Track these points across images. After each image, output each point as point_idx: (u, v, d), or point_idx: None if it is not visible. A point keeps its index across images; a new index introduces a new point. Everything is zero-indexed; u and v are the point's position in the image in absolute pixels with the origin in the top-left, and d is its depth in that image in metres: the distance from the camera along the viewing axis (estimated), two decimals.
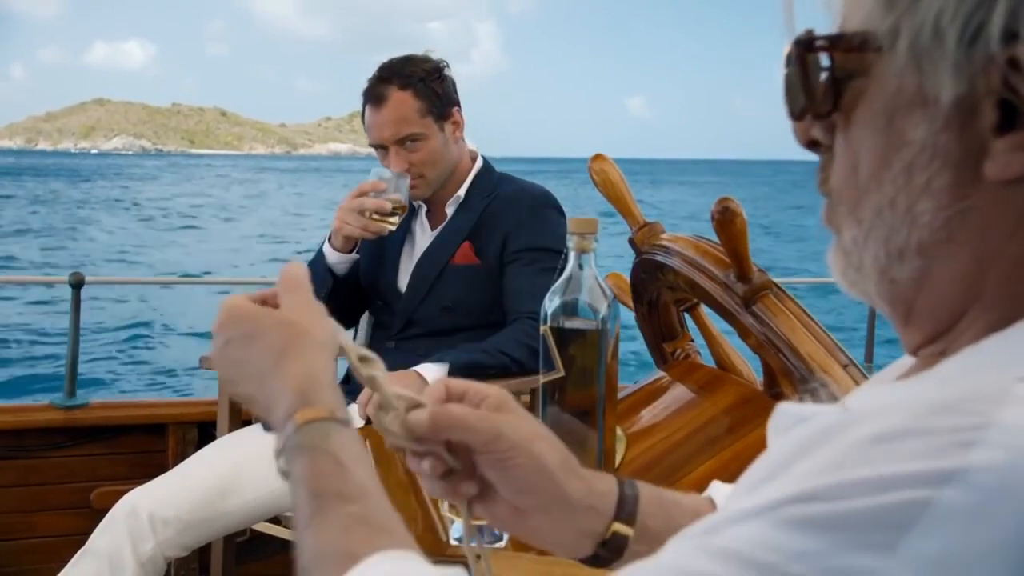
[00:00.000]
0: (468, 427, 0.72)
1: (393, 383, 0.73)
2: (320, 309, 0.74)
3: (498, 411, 0.74)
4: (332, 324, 0.74)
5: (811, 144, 0.59)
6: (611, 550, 0.76)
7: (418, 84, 2.21)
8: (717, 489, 0.84)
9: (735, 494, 0.56)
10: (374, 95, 2.22)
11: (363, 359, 0.73)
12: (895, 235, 0.54)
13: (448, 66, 2.30)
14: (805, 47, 0.56)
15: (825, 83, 0.55)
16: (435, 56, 2.30)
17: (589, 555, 0.77)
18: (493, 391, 0.75)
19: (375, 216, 2.10)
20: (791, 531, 0.43)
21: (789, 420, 0.60)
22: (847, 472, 0.44)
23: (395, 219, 2.12)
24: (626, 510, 0.76)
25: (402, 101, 2.20)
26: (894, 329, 0.60)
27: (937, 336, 0.56)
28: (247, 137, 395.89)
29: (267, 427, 2.21)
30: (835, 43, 0.55)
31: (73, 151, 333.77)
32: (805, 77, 0.56)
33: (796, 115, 0.58)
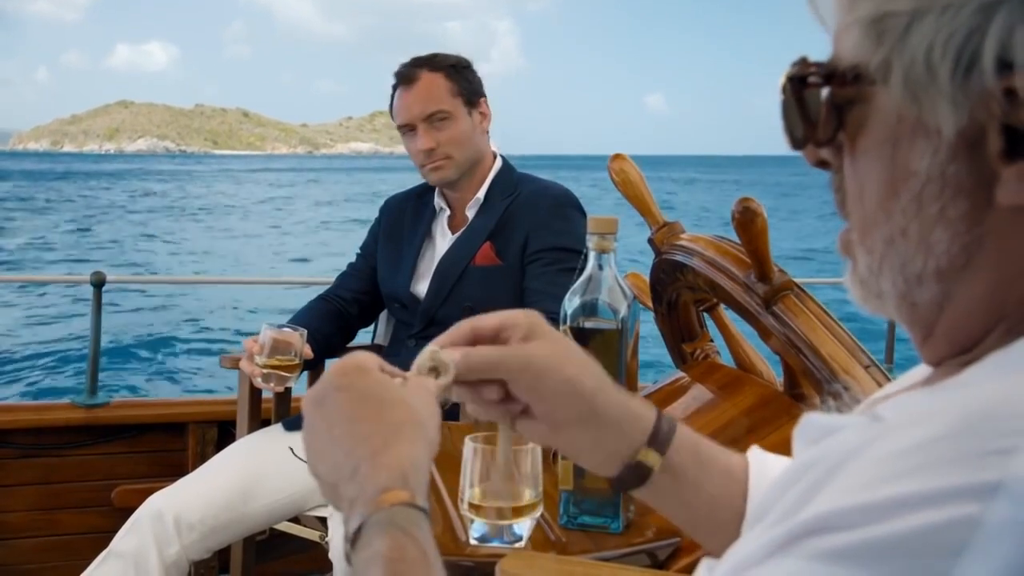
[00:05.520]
0: (496, 366, 0.74)
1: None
2: (434, 406, 0.71)
3: (527, 340, 0.76)
4: (439, 421, 0.71)
5: (820, 164, 0.59)
6: (635, 474, 0.78)
7: (448, 69, 2.25)
8: (757, 454, 0.85)
9: (763, 508, 0.55)
10: (405, 77, 2.25)
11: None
12: (911, 263, 0.53)
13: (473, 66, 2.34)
14: (800, 82, 0.55)
15: (824, 112, 0.55)
16: (463, 57, 2.34)
17: (615, 475, 0.79)
18: (522, 319, 0.77)
19: (261, 376, 2.02)
20: (826, 565, 0.41)
21: (817, 431, 0.59)
22: (877, 489, 0.42)
23: (274, 383, 2.03)
24: (657, 441, 0.78)
25: (433, 80, 2.23)
26: (913, 344, 0.59)
27: (960, 352, 0.55)
28: (269, 137, 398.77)
29: (288, 426, 2.22)
30: (828, 78, 0.54)
31: (100, 152, 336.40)
32: (802, 107, 0.55)
33: (797, 144, 0.57)
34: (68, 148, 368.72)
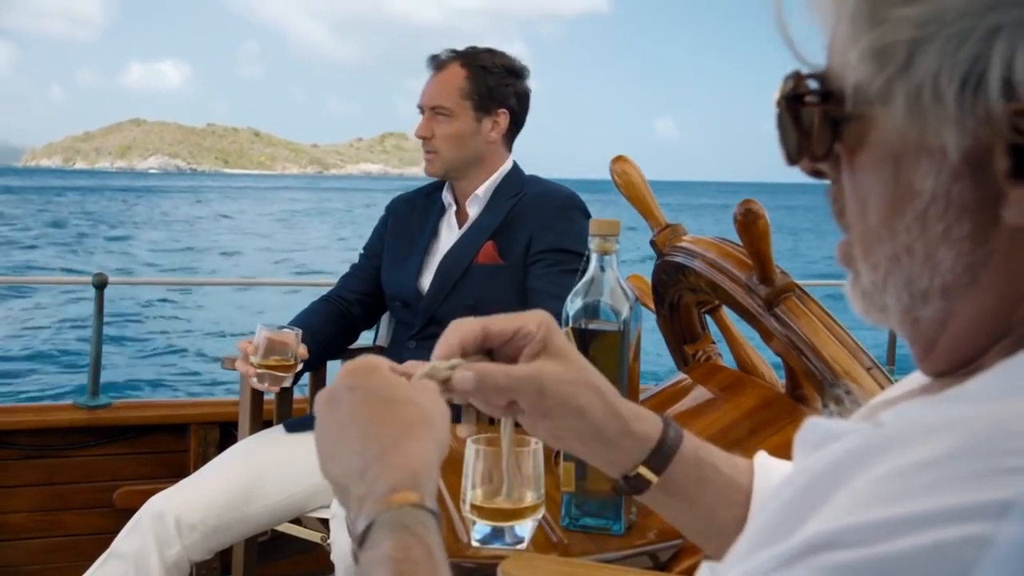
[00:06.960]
0: (508, 391, 0.75)
1: None
2: (443, 404, 0.71)
3: (540, 355, 0.76)
4: (448, 420, 0.71)
5: (816, 173, 0.58)
6: (632, 486, 0.80)
7: (477, 69, 2.25)
8: (762, 460, 0.85)
9: (764, 513, 0.54)
10: (436, 62, 2.29)
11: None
12: (916, 280, 0.53)
13: (527, 75, 2.33)
14: (795, 100, 0.54)
15: (818, 127, 0.54)
16: (519, 63, 2.33)
17: (614, 481, 0.81)
18: (535, 329, 0.77)
19: (256, 376, 2.01)
20: None
21: (820, 436, 0.58)
22: (887, 507, 0.41)
23: (269, 383, 2.02)
24: (657, 458, 0.79)
25: (453, 75, 2.25)
26: (914, 359, 0.58)
27: (961, 366, 0.54)
28: (280, 157, 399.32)
29: (290, 427, 2.22)
30: (825, 99, 0.53)
31: (111, 170, 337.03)
32: (798, 123, 0.55)
33: (792, 159, 0.57)
34: (80, 165, 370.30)
